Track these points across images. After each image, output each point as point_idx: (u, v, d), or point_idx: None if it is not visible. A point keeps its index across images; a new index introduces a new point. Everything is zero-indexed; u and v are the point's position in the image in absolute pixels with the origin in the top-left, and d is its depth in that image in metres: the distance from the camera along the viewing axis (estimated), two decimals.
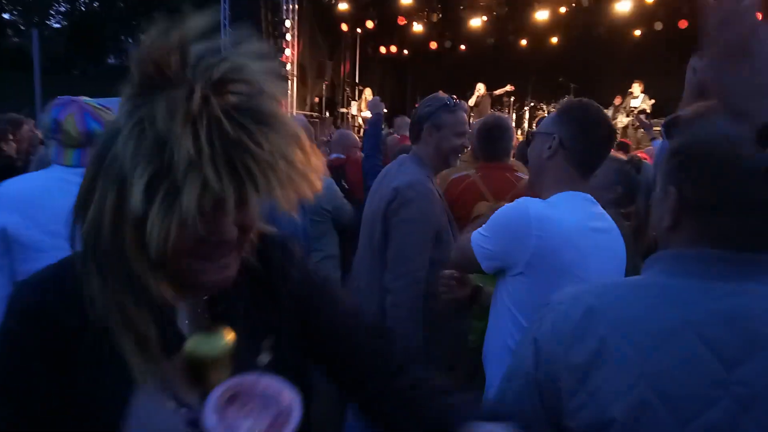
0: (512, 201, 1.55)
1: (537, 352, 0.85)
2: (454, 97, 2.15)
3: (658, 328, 0.77)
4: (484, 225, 1.55)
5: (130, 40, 34.75)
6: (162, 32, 0.65)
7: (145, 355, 0.70)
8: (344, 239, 2.96)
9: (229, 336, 0.75)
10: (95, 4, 32.48)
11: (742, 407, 0.72)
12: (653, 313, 0.79)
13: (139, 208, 0.62)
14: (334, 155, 3.94)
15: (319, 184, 0.72)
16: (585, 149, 1.56)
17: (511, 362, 0.93)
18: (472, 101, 11.95)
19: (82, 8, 32.54)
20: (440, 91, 2.19)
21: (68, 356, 0.71)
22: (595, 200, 1.56)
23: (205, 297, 0.81)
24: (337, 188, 3.00)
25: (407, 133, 3.01)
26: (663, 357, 0.76)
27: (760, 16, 0.80)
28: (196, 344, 0.73)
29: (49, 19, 31.83)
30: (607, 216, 1.57)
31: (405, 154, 2.26)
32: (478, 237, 1.54)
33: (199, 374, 0.73)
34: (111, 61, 34.88)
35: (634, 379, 0.76)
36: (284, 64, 12.20)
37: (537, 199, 1.52)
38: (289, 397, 0.72)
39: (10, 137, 3.22)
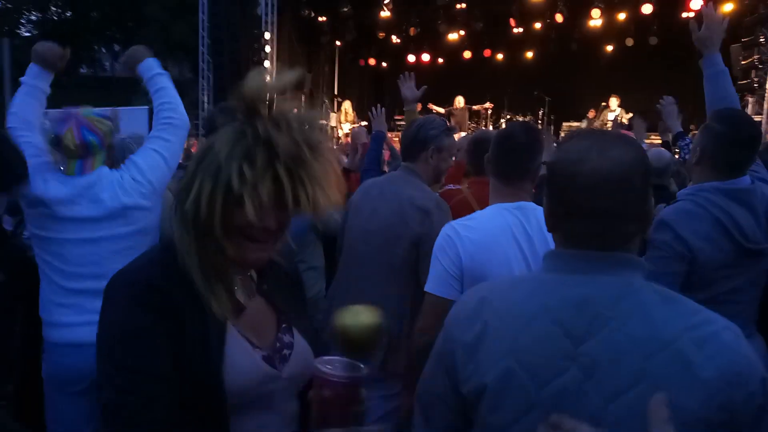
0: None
1: (444, 333, 1.06)
2: (437, 108, 2.21)
3: (526, 312, 0.95)
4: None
5: (104, 50, 34.31)
6: (258, 80, 0.95)
7: (233, 300, 0.98)
8: (329, 250, 2.91)
9: (375, 314, 0.97)
10: (68, 14, 31.93)
11: (585, 375, 0.88)
12: (524, 300, 0.97)
13: (237, 184, 0.87)
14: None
15: (341, 201, 0.97)
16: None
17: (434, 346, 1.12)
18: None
19: (54, 18, 31.95)
20: (434, 110, 2.25)
21: (177, 319, 0.91)
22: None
23: (249, 273, 1.06)
24: None
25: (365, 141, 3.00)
26: (526, 335, 0.93)
27: None
28: (355, 316, 0.95)
29: (20, 28, 31.15)
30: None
31: (400, 170, 2.25)
32: None
33: (353, 344, 0.95)
34: (83, 71, 34.34)
35: (505, 353, 0.94)
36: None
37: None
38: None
39: None
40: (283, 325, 1.06)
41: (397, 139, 12.95)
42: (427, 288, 1.70)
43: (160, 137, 2.18)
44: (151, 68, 2.31)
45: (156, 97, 2.27)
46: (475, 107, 12.16)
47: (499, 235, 1.62)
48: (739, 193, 1.80)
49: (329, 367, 0.94)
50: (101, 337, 0.93)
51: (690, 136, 4.12)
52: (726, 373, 0.83)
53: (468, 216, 1.71)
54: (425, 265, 1.80)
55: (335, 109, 13.51)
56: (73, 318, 1.97)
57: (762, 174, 2.02)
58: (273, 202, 0.90)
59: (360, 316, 0.94)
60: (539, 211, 1.64)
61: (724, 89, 2.14)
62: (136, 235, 2.03)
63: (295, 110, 0.96)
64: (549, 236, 1.51)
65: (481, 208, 2.45)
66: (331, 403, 0.92)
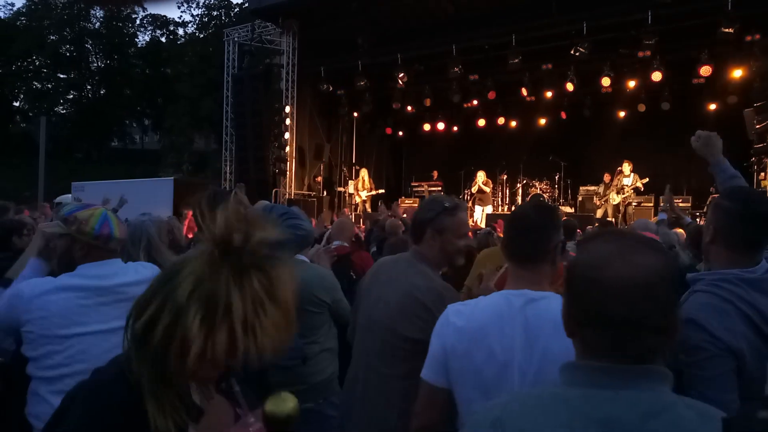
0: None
1: None
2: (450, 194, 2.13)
3: None
4: None
5: (134, 125, 36.07)
6: (235, 213, 0.95)
7: (189, 404, 0.99)
8: (343, 331, 2.84)
9: (294, 399, 1.00)
10: (102, 92, 33.89)
11: None
12: (546, 422, 0.87)
13: (196, 334, 0.89)
14: (336, 243, 3.88)
15: (289, 341, 0.98)
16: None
17: None
18: (474, 189, 12.32)
19: (89, 95, 33.91)
20: (442, 193, 2.22)
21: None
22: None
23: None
24: (336, 281, 2.81)
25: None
26: None
27: None
28: (275, 405, 0.99)
29: (58, 107, 33.06)
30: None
31: (409, 253, 2.15)
32: None
33: (275, 426, 0.99)
34: (114, 144, 35.96)
35: None
36: (284, 147, 12.61)
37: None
38: None
39: (25, 232, 3.28)
40: (247, 419, 1.05)
41: (410, 202, 13.09)
42: (422, 374, 1.60)
43: None
44: None
45: None
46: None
47: (488, 324, 1.50)
48: (761, 283, 1.65)
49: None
50: None
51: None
52: None
53: (468, 301, 1.62)
54: None
55: (353, 177, 13.82)
56: None
57: None
58: (222, 352, 0.91)
59: (284, 404, 1.01)
60: (552, 300, 1.50)
61: None
62: None
63: (265, 251, 0.96)
64: (557, 332, 1.37)
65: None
66: None
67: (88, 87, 33.88)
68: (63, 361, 1.84)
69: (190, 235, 5.38)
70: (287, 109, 12.65)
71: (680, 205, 10.25)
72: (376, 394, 1.99)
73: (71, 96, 33.51)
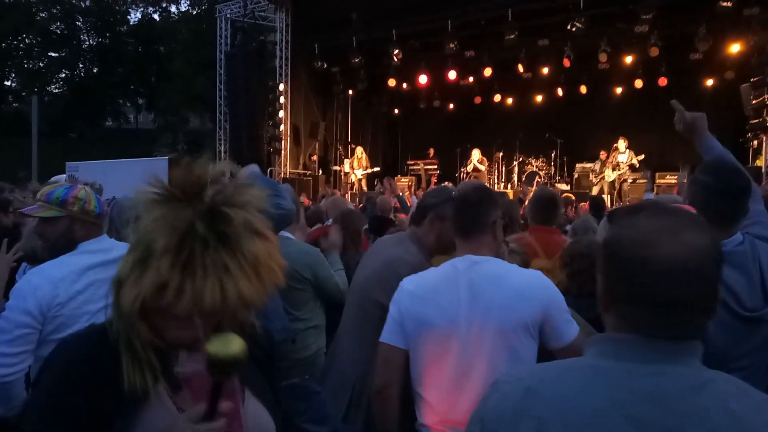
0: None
1: (483, 428, 0.93)
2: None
3: (590, 407, 0.83)
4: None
5: (128, 104, 35.67)
6: (188, 166, 0.95)
7: (169, 376, 0.97)
8: (332, 308, 2.79)
9: (241, 341, 0.90)
10: (95, 70, 33.43)
11: None
12: (585, 393, 0.85)
13: (166, 273, 0.89)
14: (331, 221, 3.83)
15: (281, 279, 0.97)
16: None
17: None
18: (469, 167, 12.32)
19: (82, 74, 33.46)
20: (448, 183, 2.27)
21: (104, 393, 0.93)
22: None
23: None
24: (323, 259, 2.83)
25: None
26: None
27: None
28: (219, 346, 0.89)
29: (50, 86, 32.63)
30: None
31: (405, 233, 2.27)
32: None
33: (221, 373, 0.89)
34: (108, 123, 35.61)
35: None
36: (278, 125, 12.52)
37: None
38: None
39: (10, 209, 3.27)
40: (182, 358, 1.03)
41: (405, 181, 13.08)
42: (381, 337, 1.76)
43: None
44: None
45: None
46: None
47: (436, 285, 1.70)
48: (731, 255, 1.69)
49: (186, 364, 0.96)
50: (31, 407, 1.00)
51: None
52: None
53: (421, 273, 1.81)
54: None
55: (348, 156, 13.77)
56: None
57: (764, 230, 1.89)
58: (197, 296, 0.89)
59: (229, 345, 0.90)
60: (492, 262, 1.71)
61: None
62: None
63: (237, 191, 0.96)
64: (497, 286, 1.63)
65: (545, 252, 2.77)
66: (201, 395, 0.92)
67: (80, 66, 33.41)
68: None
69: None
70: (281, 86, 12.52)
71: (674, 181, 10.28)
72: (346, 356, 2.14)
73: (63, 75, 33.07)
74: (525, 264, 2.29)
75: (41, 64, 31.71)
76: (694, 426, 0.79)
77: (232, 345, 0.88)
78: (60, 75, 32.95)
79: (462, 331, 1.62)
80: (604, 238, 0.94)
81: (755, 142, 9.77)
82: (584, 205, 7.23)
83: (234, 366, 0.88)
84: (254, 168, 2.19)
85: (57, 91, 33.04)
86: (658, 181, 11.07)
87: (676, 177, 10.28)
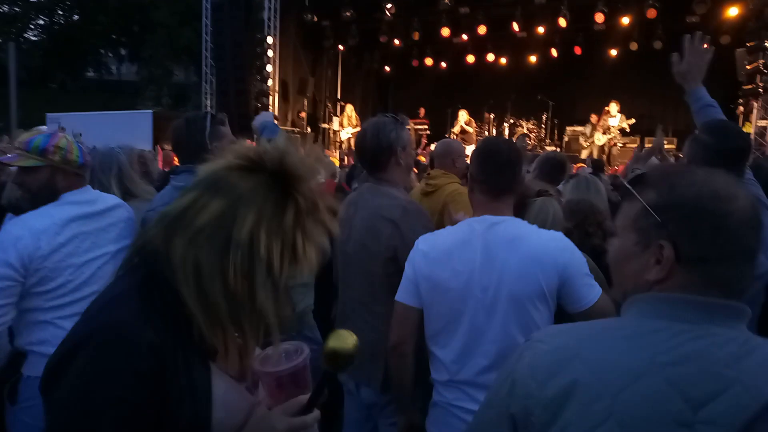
0: None
1: (513, 385, 0.89)
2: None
3: (628, 367, 0.81)
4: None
5: (110, 54, 34.50)
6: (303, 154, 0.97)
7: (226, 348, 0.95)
8: (323, 287, 2.71)
9: (354, 336, 0.96)
10: (74, 18, 32.13)
11: None
12: (624, 353, 0.82)
13: (246, 239, 0.89)
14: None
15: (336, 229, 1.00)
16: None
17: (489, 392, 0.98)
18: (456, 128, 12.18)
19: (62, 21, 32.15)
20: (428, 131, 2.18)
21: (165, 369, 0.87)
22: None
23: None
24: None
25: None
26: (631, 396, 0.78)
27: None
28: (338, 341, 0.95)
29: (27, 32, 31.37)
30: None
31: (366, 184, 2.16)
32: None
33: (336, 367, 0.96)
34: (90, 74, 34.51)
35: (604, 416, 0.79)
36: (266, 80, 12.22)
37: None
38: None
39: None
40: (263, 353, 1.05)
41: None
42: (396, 296, 1.75)
43: None
44: None
45: None
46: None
47: (451, 248, 1.67)
48: None
49: (270, 363, 0.99)
50: (75, 398, 0.84)
51: None
52: None
53: (436, 231, 1.78)
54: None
55: (338, 113, 13.55)
56: None
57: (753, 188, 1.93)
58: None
59: (346, 340, 0.97)
60: (510, 222, 1.66)
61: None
62: None
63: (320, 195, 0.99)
64: (513, 248, 1.56)
65: None
66: (280, 395, 0.97)
67: (60, 12, 32.04)
68: (76, 287, 1.90)
69: (166, 168, 5.33)
70: (269, 39, 12.14)
71: (666, 147, 10.28)
72: (372, 329, 2.01)
73: (42, 22, 31.74)
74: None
75: (17, 9, 30.36)
76: (738, 393, 0.76)
77: (349, 341, 0.95)
78: (38, 22, 31.64)
79: (475, 295, 1.60)
80: (661, 201, 0.88)
81: (741, 108, 9.76)
82: (576, 167, 7.24)
83: (350, 361, 0.95)
84: (268, 116, 2.15)
85: (35, 39, 31.80)
86: (647, 145, 11.06)
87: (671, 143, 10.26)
